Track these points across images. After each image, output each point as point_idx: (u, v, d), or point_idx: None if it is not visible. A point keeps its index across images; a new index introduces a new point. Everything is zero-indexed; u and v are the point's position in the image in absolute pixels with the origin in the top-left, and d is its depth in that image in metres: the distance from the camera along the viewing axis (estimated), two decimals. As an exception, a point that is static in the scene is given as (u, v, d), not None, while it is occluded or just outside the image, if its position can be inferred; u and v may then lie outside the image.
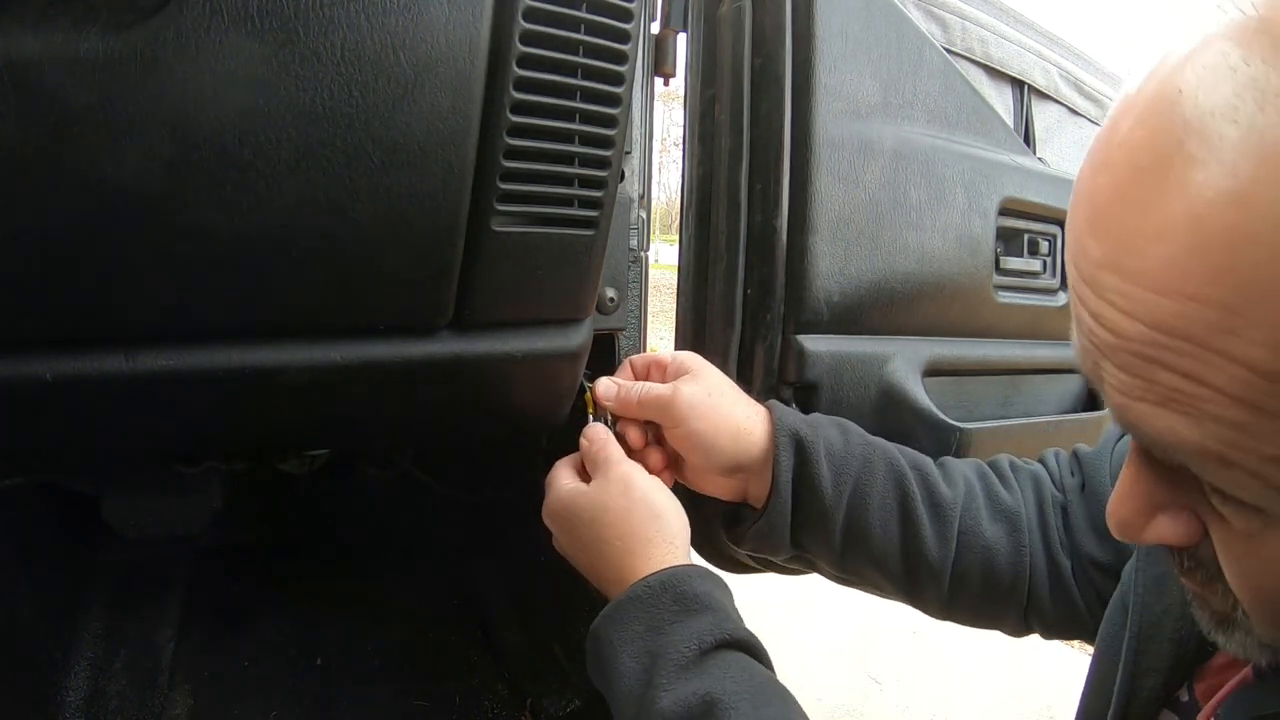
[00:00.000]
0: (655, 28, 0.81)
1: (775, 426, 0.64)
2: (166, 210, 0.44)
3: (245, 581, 1.11)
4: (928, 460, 0.68)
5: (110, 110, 0.40)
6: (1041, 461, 0.72)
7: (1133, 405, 0.30)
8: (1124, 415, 0.31)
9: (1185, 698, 0.47)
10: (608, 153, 0.57)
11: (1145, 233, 0.27)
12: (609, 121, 0.56)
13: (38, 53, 0.38)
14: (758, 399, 0.73)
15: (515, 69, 0.50)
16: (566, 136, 0.55)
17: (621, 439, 0.65)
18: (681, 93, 0.86)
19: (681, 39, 0.82)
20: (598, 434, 0.64)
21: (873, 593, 0.72)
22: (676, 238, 0.88)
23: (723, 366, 0.79)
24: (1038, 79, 1.10)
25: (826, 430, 0.65)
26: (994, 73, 1.04)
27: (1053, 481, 0.68)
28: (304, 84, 0.44)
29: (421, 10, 0.46)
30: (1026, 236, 0.99)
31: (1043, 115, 1.13)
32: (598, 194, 0.58)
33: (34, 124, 0.39)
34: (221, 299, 0.49)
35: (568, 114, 0.54)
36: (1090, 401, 1.10)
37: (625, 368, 0.70)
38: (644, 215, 0.79)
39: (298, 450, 0.91)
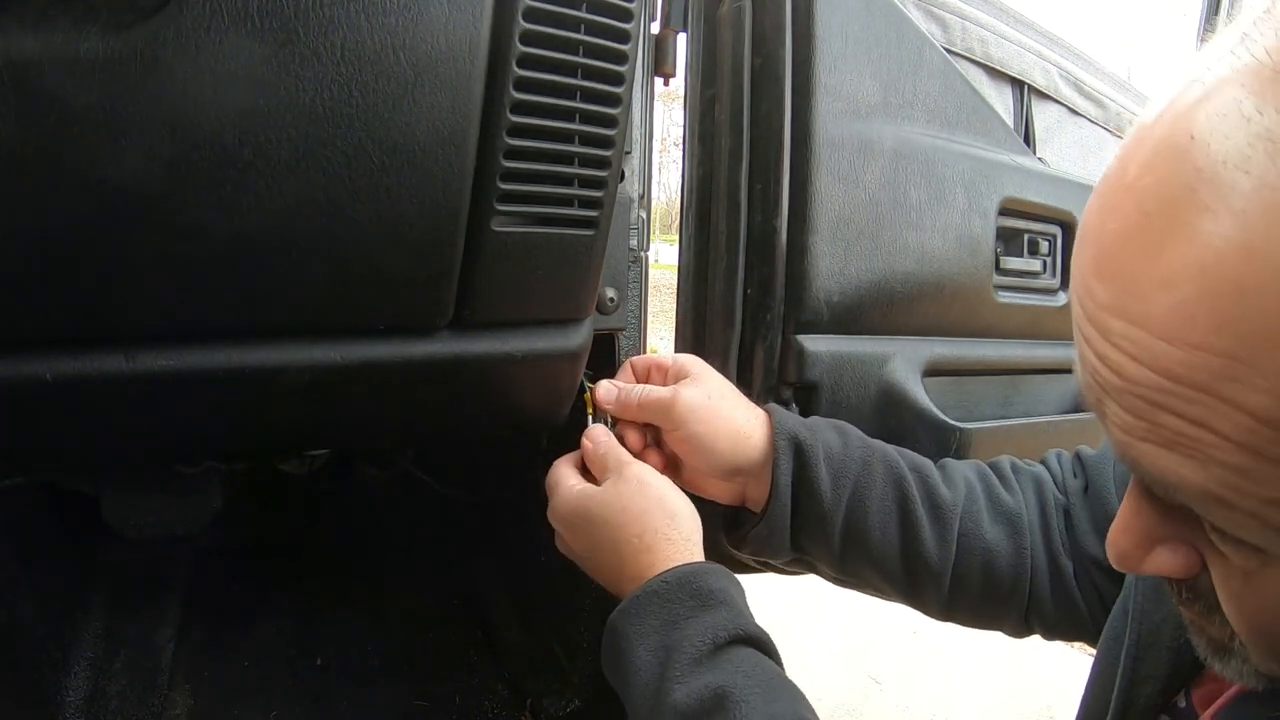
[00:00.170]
0: (655, 28, 0.81)
1: (774, 430, 0.64)
2: (166, 210, 0.44)
3: (245, 581, 1.11)
4: (928, 462, 0.68)
5: (110, 110, 0.40)
6: (1043, 463, 0.72)
7: (1136, 445, 0.30)
8: (1127, 453, 0.31)
9: (1182, 704, 0.47)
10: (608, 153, 0.57)
11: (1153, 279, 0.27)
12: (609, 121, 0.56)
13: (38, 53, 0.38)
14: (758, 399, 0.72)
15: (515, 69, 0.50)
16: (566, 136, 0.55)
17: (620, 441, 0.65)
18: (681, 93, 0.86)
19: (681, 39, 0.82)
20: (601, 435, 0.64)
21: (873, 594, 0.72)
22: (676, 238, 0.88)
23: (723, 366, 0.79)
24: (1038, 79, 1.10)
25: (825, 434, 0.65)
26: (994, 73, 1.04)
27: (1055, 483, 0.68)
28: (304, 84, 0.44)
29: (421, 10, 0.46)
30: (1026, 236, 0.99)
31: (1043, 115, 1.13)
32: (598, 194, 0.58)
33: (34, 124, 0.39)
34: (221, 299, 0.49)
35: (568, 114, 0.54)
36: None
37: (626, 369, 0.71)
38: (644, 215, 0.79)
39: (298, 450, 0.91)
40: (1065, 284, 1.04)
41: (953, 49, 0.95)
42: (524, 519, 0.90)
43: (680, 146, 0.87)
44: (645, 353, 0.80)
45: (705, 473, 0.65)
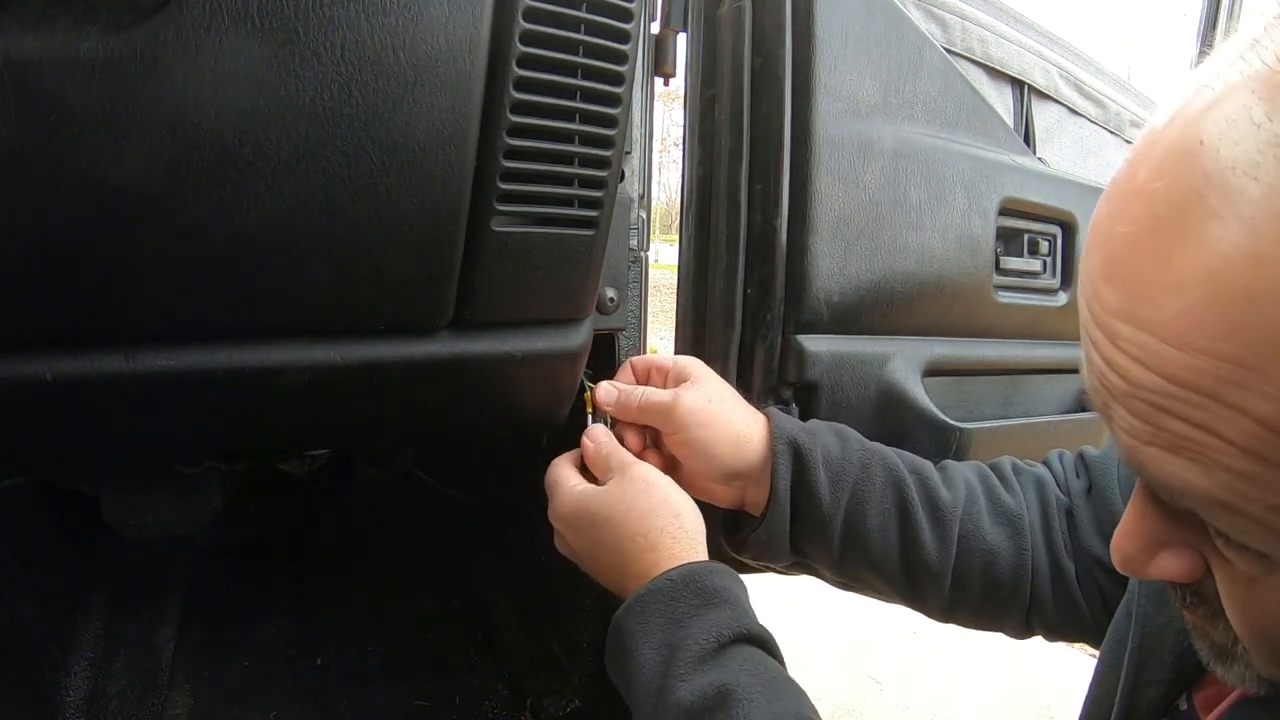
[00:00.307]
0: (655, 28, 0.81)
1: (773, 434, 0.64)
2: (166, 210, 0.44)
3: (245, 581, 1.11)
4: (928, 464, 0.68)
5: (110, 110, 0.40)
6: (1045, 463, 0.71)
7: (1142, 449, 0.30)
8: (1132, 457, 0.31)
9: (1184, 706, 0.47)
10: (608, 153, 0.57)
11: (1161, 284, 0.27)
12: (609, 121, 0.56)
13: (38, 53, 0.38)
14: (758, 399, 0.72)
15: (515, 69, 0.50)
16: (566, 136, 0.55)
17: (619, 442, 0.65)
18: (681, 93, 0.86)
19: (681, 39, 0.82)
20: (602, 435, 0.64)
21: (874, 597, 0.72)
22: (676, 238, 0.88)
23: (723, 366, 0.79)
24: (1038, 79, 1.10)
25: (824, 437, 0.65)
26: (994, 73, 1.04)
27: (1057, 484, 0.68)
28: (304, 84, 0.44)
29: (421, 10, 0.46)
30: (1026, 236, 0.99)
31: (1043, 115, 1.13)
32: (598, 194, 0.58)
33: (34, 124, 0.39)
34: (221, 299, 0.49)
35: (568, 114, 0.54)
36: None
37: (625, 370, 0.70)
38: (644, 215, 0.79)
39: (298, 450, 0.91)
40: (1065, 284, 1.04)
41: (953, 49, 0.95)
42: (524, 519, 0.90)
43: (680, 146, 0.87)
44: (645, 353, 0.80)
45: (705, 476, 0.65)
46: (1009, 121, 1.04)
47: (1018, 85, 1.09)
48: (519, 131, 0.52)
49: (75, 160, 0.41)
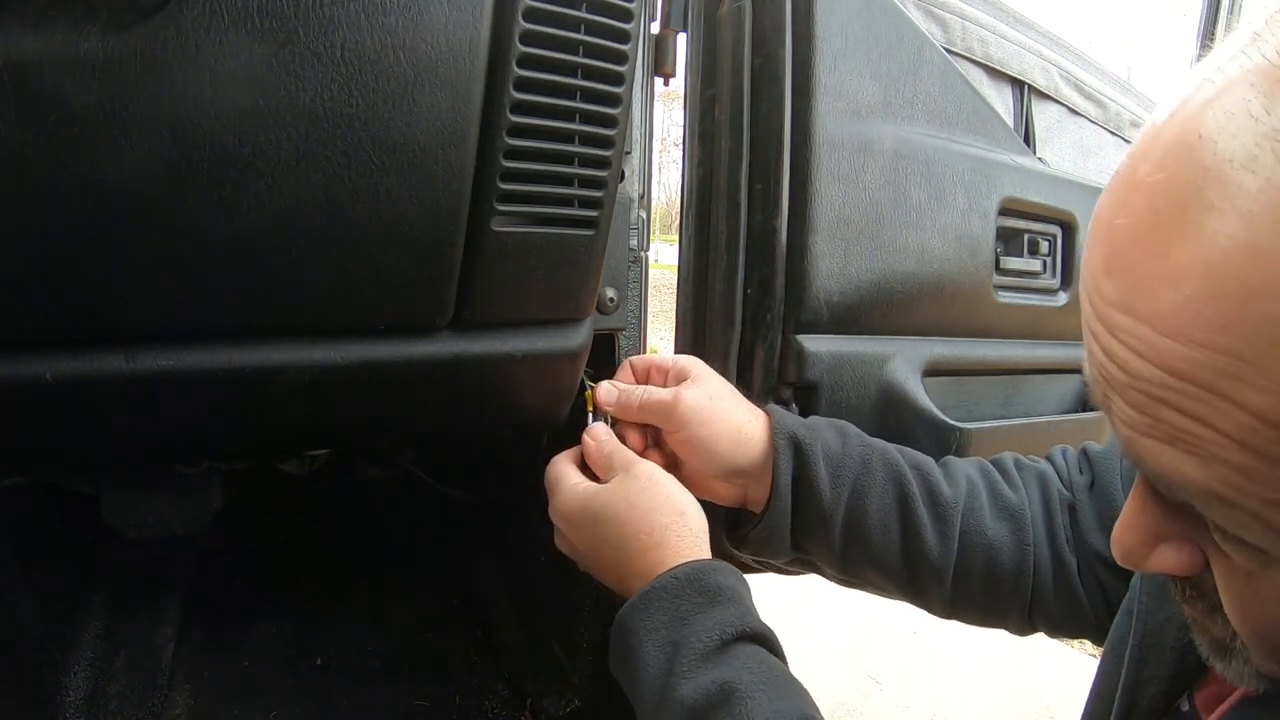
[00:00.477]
0: (655, 28, 0.81)
1: (774, 431, 0.64)
2: (166, 210, 0.44)
3: (245, 581, 1.11)
4: (929, 460, 0.68)
5: (110, 110, 0.40)
6: (1049, 459, 0.71)
7: (1140, 440, 0.30)
8: (1131, 449, 0.31)
9: (1185, 707, 0.47)
10: (608, 153, 0.57)
11: (1160, 276, 0.27)
12: (609, 121, 0.56)
13: (38, 53, 0.38)
14: (758, 399, 0.72)
15: (515, 69, 0.50)
16: (566, 136, 0.55)
17: (621, 441, 0.65)
18: (681, 93, 0.86)
19: (681, 39, 0.82)
20: (603, 434, 0.64)
21: (876, 593, 0.72)
22: (676, 238, 0.88)
23: (723, 366, 0.79)
24: (1038, 79, 1.10)
25: (825, 434, 0.65)
26: (994, 73, 1.04)
27: (1060, 479, 0.68)
28: (304, 84, 0.44)
29: (421, 10, 0.46)
30: (1026, 236, 0.99)
31: (1043, 115, 1.13)
32: (598, 194, 0.58)
33: (34, 124, 0.39)
34: (221, 299, 0.49)
35: (568, 114, 0.54)
36: (1090, 401, 1.10)
37: (625, 370, 0.71)
38: (644, 215, 0.79)
39: (298, 450, 0.91)
40: (1065, 284, 1.04)
41: (953, 49, 0.95)
42: (524, 519, 0.90)
43: (680, 146, 0.87)
44: (645, 353, 0.80)
45: (706, 474, 0.65)
46: (1009, 121, 1.04)
47: (1018, 85, 1.09)
48: (519, 131, 0.52)
49: (75, 160, 0.41)
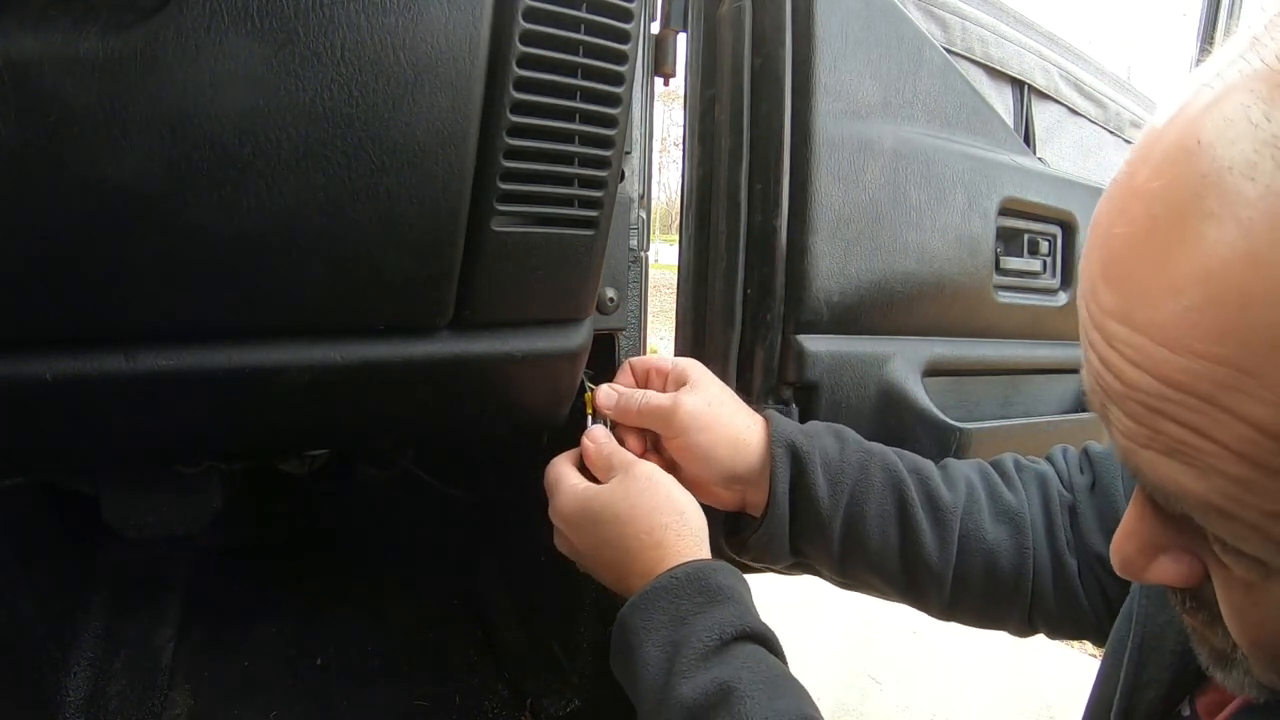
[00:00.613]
0: (655, 28, 0.81)
1: (771, 437, 0.64)
2: (166, 210, 0.44)
3: (245, 581, 1.11)
4: (928, 464, 0.68)
5: (110, 110, 0.40)
6: (1049, 459, 0.71)
7: (1138, 451, 0.30)
8: (1129, 460, 0.31)
9: (1186, 712, 0.47)
10: (608, 153, 0.57)
11: (1158, 286, 0.27)
12: (609, 121, 0.56)
13: (38, 53, 0.38)
14: (758, 399, 0.72)
15: (515, 69, 0.50)
16: (566, 136, 0.55)
17: (620, 444, 0.65)
18: (681, 93, 0.86)
19: (681, 39, 0.82)
20: (602, 435, 0.65)
21: (875, 596, 0.72)
22: (676, 238, 0.88)
23: (723, 367, 0.79)
24: (1038, 79, 1.10)
25: (823, 439, 0.65)
26: (994, 73, 1.04)
27: (1061, 480, 0.68)
28: (304, 84, 0.44)
29: (421, 10, 0.46)
30: (1026, 236, 0.99)
31: (1043, 115, 1.13)
32: (598, 194, 0.58)
33: (34, 124, 0.39)
34: (221, 299, 0.49)
35: (568, 114, 0.54)
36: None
37: (625, 371, 0.71)
38: (644, 215, 0.78)
39: (298, 450, 0.91)
40: (1065, 284, 1.04)
41: (953, 49, 0.95)
42: (524, 519, 0.90)
43: (680, 146, 0.87)
44: (645, 353, 0.80)
45: (704, 479, 0.65)
46: (1009, 121, 1.04)
47: (1018, 85, 1.09)
48: (519, 131, 0.52)
49: (75, 160, 0.41)
